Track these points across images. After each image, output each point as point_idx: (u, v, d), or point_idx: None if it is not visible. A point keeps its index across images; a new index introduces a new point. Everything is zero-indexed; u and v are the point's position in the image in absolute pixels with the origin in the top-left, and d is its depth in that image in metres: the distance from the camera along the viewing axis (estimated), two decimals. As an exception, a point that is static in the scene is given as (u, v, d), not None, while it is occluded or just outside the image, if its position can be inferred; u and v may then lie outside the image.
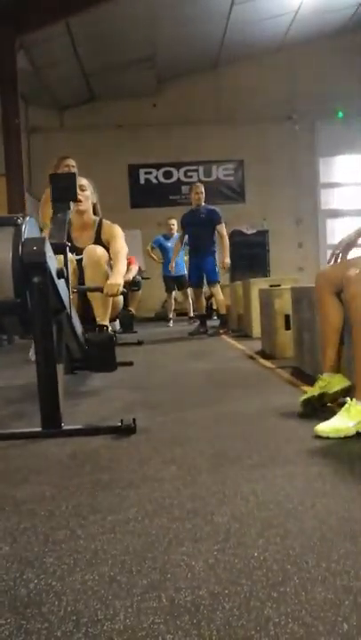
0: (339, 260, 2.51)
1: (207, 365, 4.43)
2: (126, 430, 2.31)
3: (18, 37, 8.75)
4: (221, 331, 7.07)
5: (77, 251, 3.66)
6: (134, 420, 2.34)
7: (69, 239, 3.61)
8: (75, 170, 5.17)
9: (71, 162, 5.18)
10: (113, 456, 2.04)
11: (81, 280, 3.59)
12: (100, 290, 3.39)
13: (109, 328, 3.44)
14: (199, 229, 7.15)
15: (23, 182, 8.97)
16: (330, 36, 11.90)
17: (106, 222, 3.88)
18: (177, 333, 7.65)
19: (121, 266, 3.56)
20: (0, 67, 8.72)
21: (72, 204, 3.02)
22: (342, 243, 2.54)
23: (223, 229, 7.21)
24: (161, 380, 3.86)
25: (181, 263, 8.63)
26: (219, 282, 7.32)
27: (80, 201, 3.63)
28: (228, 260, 7.28)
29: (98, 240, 3.78)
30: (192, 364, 4.55)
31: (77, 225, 3.83)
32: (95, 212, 3.94)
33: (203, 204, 7.23)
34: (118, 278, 3.45)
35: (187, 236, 7.47)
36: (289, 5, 10.40)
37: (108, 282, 3.43)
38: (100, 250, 3.58)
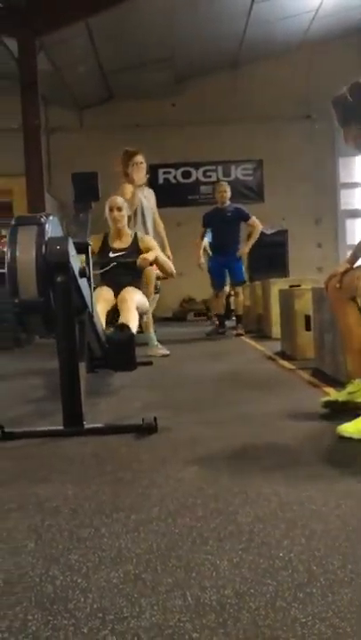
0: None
1: (226, 366, 4.43)
2: (147, 429, 2.31)
3: (38, 38, 8.80)
4: (239, 331, 7.04)
5: (113, 250, 4.24)
6: (155, 419, 2.35)
7: (107, 246, 4.26)
8: (144, 167, 5.25)
9: (140, 158, 5.25)
10: (134, 455, 2.05)
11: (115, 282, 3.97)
12: (134, 263, 4.01)
13: (132, 326, 3.47)
14: (225, 228, 7.05)
15: (43, 182, 9.01)
16: (351, 35, 11.79)
17: (140, 234, 4.46)
18: (195, 334, 7.64)
19: (155, 252, 4.25)
20: (21, 68, 8.78)
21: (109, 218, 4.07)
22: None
23: (256, 220, 7.11)
24: (180, 380, 3.86)
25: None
26: (244, 282, 7.27)
27: (119, 220, 4.28)
28: (246, 250, 7.19)
29: (135, 246, 4.28)
30: (211, 365, 4.55)
31: (115, 236, 4.36)
32: (130, 224, 4.48)
33: (228, 202, 7.15)
34: (150, 256, 4.13)
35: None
36: (310, 3, 10.34)
37: (141, 255, 4.09)
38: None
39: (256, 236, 7.19)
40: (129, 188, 5.16)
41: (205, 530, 1.38)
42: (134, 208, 5.15)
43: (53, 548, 1.33)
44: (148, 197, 5.46)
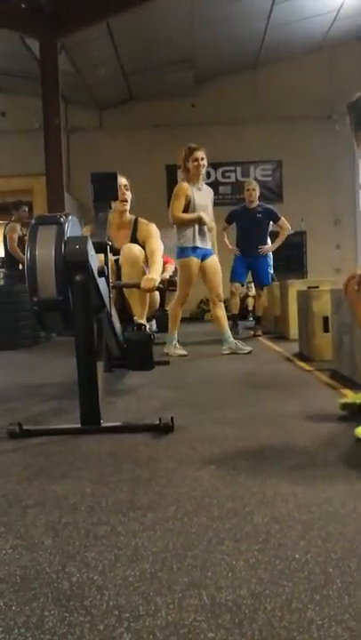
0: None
1: (244, 366, 4.42)
2: (164, 428, 2.32)
3: (60, 39, 8.87)
4: (257, 332, 7.01)
5: (114, 251, 3.62)
6: (172, 418, 2.35)
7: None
8: (204, 163, 5.14)
9: (201, 154, 5.12)
10: (152, 454, 2.06)
11: (118, 279, 3.61)
12: (137, 285, 3.38)
13: (147, 327, 3.44)
14: (254, 228, 6.93)
15: (63, 182, 9.07)
16: (372, 35, 11.72)
17: (142, 221, 3.90)
18: (212, 334, 7.63)
19: (157, 264, 3.60)
20: (42, 68, 8.86)
21: (114, 203, 3.11)
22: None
23: (286, 222, 7.00)
24: (197, 380, 3.86)
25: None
26: (269, 284, 7.19)
27: (126, 201, 3.80)
28: (272, 249, 7.04)
29: (134, 239, 3.79)
30: (228, 365, 4.54)
31: (115, 224, 3.85)
32: (133, 211, 3.98)
33: (257, 201, 7.05)
34: (154, 274, 3.47)
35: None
36: (331, 4, 10.27)
37: (145, 277, 3.43)
38: (136, 248, 3.59)
39: (284, 237, 7.04)
40: (183, 189, 5.07)
41: (221, 530, 1.38)
42: (187, 202, 5.06)
43: (70, 545, 1.34)
44: (203, 195, 5.25)
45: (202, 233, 5.18)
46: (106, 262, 2.53)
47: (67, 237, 2.21)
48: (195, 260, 5.15)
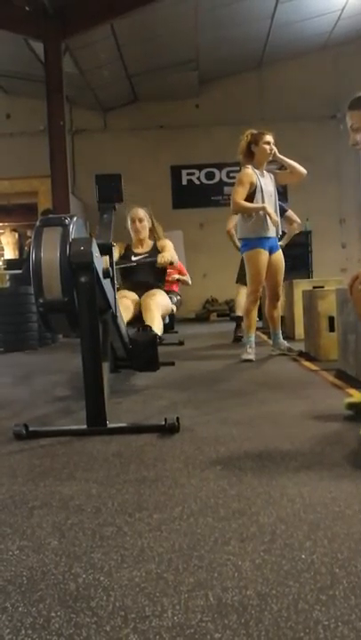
0: None
1: (249, 367, 4.41)
2: (170, 429, 2.32)
3: (64, 41, 8.89)
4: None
5: (135, 254, 4.28)
6: (178, 418, 2.35)
7: (129, 251, 4.30)
8: (271, 147, 4.96)
9: (270, 138, 4.94)
10: (158, 455, 2.06)
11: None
12: (155, 262, 3.97)
13: (153, 329, 3.46)
14: None
15: (68, 184, 9.09)
16: (376, 34, 11.68)
17: (160, 241, 4.41)
18: (217, 335, 7.64)
19: (169, 252, 4.17)
20: (46, 70, 8.89)
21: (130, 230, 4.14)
22: None
23: (294, 214, 6.89)
24: (203, 380, 3.86)
25: None
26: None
27: (140, 231, 4.30)
28: (283, 244, 6.85)
29: (156, 249, 4.26)
30: (234, 365, 4.54)
31: (137, 243, 4.38)
32: (152, 236, 4.39)
33: None
34: (167, 256, 4.08)
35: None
36: (335, 3, 10.26)
37: (160, 255, 4.04)
38: (156, 296, 3.92)
39: (295, 230, 6.82)
40: (248, 175, 4.85)
41: (228, 530, 1.38)
42: (252, 190, 4.82)
43: (76, 545, 1.34)
44: (267, 181, 5.01)
45: (269, 222, 4.82)
46: (111, 264, 2.54)
47: (71, 239, 2.21)
48: (262, 251, 4.75)
